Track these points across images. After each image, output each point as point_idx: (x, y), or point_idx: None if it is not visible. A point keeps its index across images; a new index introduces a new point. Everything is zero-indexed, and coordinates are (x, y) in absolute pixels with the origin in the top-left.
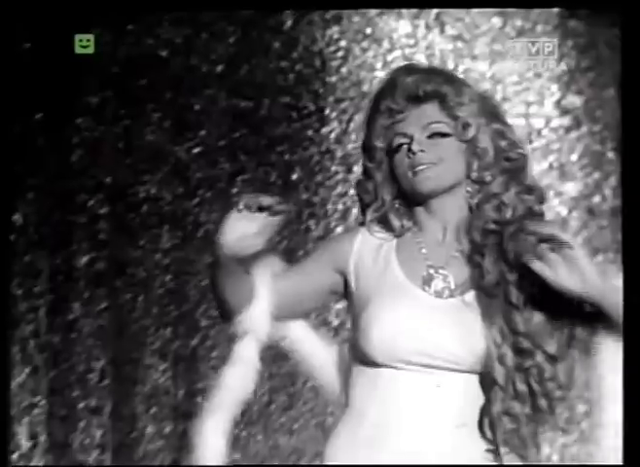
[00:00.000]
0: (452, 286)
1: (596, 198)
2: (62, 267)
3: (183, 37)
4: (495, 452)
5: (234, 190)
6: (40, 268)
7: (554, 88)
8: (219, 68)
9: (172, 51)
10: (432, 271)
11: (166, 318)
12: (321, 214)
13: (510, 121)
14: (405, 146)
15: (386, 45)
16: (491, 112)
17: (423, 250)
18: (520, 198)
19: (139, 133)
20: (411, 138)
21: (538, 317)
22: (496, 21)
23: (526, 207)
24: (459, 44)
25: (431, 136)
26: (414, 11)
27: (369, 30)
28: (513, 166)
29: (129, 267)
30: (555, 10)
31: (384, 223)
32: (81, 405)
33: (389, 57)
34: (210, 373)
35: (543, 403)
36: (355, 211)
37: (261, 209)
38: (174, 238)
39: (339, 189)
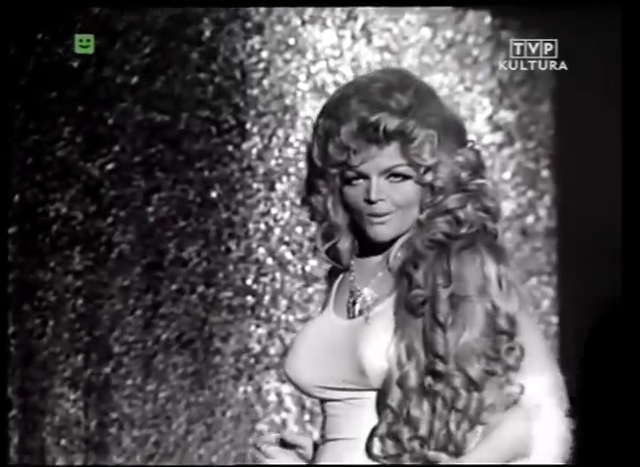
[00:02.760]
0: (366, 305)
1: (530, 218)
2: None
3: (95, 47)
4: None
5: (150, 209)
6: None
7: (486, 102)
8: (134, 80)
9: (84, 61)
10: (355, 295)
11: (77, 344)
12: (242, 234)
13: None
14: (361, 183)
15: (310, 56)
16: (455, 138)
17: (352, 275)
18: (477, 215)
19: (49, 148)
20: (368, 180)
21: (467, 337)
22: (425, 32)
23: (480, 224)
24: (387, 55)
25: (389, 177)
26: (339, 21)
27: (292, 41)
28: (471, 193)
29: (38, 290)
30: (488, 20)
31: (334, 252)
32: None
33: (313, 69)
34: (124, 402)
35: (437, 428)
36: (278, 231)
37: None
38: (86, 260)
39: (261, 207)
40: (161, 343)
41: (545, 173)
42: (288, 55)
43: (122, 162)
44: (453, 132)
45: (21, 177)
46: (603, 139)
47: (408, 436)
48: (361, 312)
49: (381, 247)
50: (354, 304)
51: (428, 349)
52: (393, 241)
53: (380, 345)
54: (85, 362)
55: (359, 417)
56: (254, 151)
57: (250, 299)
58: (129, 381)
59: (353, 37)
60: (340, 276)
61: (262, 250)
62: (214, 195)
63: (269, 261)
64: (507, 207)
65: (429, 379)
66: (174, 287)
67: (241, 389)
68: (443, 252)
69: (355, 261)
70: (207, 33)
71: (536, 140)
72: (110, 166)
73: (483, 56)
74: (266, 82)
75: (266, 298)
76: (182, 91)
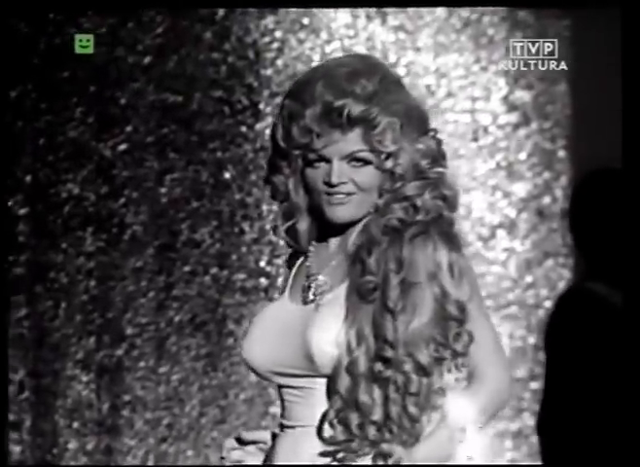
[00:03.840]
0: (319, 291)
1: (546, 199)
2: None
3: (107, 26)
4: (331, 455)
5: (163, 189)
6: None
7: (502, 82)
8: (146, 60)
9: (96, 41)
10: (310, 280)
11: (90, 326)
12: (255, 216)
13: (437, 125)
14: (322, 166)
15: (324, 36)
16: (417, 127)
17: (309, 260)
18: (434, 204)
19: (61, 129)
20: (330, 163)
21: (416, 323)
22: (441, 12)
23: (437, 212)
24: (402, 35)
25: (350, 162)
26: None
27: (306, 20)
28: (430, 181)
29: (50, 271)
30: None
31: (293, 233)
32: None
33: (327, 49)
34: (136, 385)
35: (395, 413)
36: None
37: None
38: (98, 241)
39: None
40: (174, 325)
41: (561, 154)
42: (302, 35)
43: (134, 143)
44: (416, 120)
45: (33, 158)
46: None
47: (358, 422)
48: (314, 298)
49: (339, 233)
50: (308, 289)
51: (377, 335)
52: (350, 226)
53: (329, 332)
54: (97, 344)
55: (315, 404)
56: (267, 131)
57: (263, 281)
58: (142, 364)
59: (368, 17)
60: (299, 261)
61: None
62: (227, 176)
63: (283, 242)
64: (523, 188)
65: (379, 366)
66: (187, 269)
67: None
68: (396, 238)
69: (313, 246)
70: (221, 12)
71: (552, 120)
72: (122, 147)
73: (499, 36)
74: (279, 62)
75: (280, 280)
76: (195, 71)
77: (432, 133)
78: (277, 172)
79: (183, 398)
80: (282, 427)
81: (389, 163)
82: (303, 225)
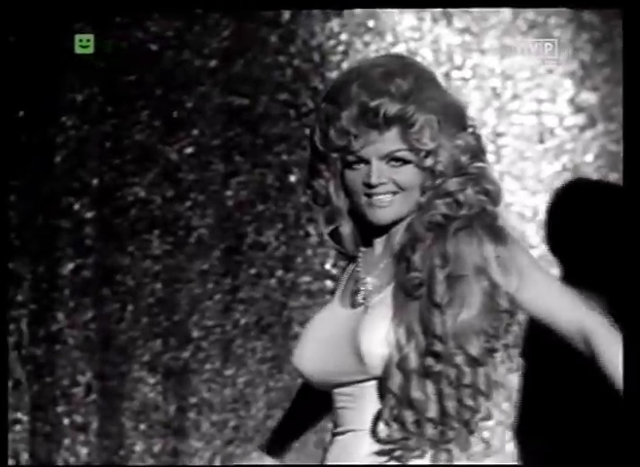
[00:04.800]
0: (368, 293)
1: None
2: (45, 274)
3: (174, 30)
4: (388, 454)
5: (229, 192)
6: (22, 275)
7: (568, 84)
8: (212, 63)
9: (163, 44)
10: (359, 284)
11: (156, 329)
12: None
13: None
14: (362, 167)
15: (390, 38)
16: (455, 123)
17: (358, 265)
18: (476, 198)
19: (127, 132)
20: (369, 164)
21: (465, 315)
22: (507, 14)
23: (480, 207)
24: (467, 37)
25: (389, 161)
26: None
27: (371, 23)
28: (471, 176)
29: (117, 274)
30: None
31: (337, 237)
32: (65, 421)
33: (392, 51)
34: (203, 387)
35: (451, 407)
36: None
37: None
38: (165, 244)
39: None
40: (240, 328)
41: None
42: (367, 38)
43: (200, 146)
44: (453, 117)
45: (100, 161)
46: None
47: (412, 419)
48: (363, 301)
49: (383, 234)
50: (357, 293)
51: (426, 331)
52: (393, 227)
53: (379, 333)
54: (163, 346)
55: (366, 408)
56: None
57: (329, 283)
58: (208, 366)
59: (433, 19)
60: (350, 266)
61: None
62: (293, 179)
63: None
64: None
65: (430, 361)
66: (253, 271)
67: None
68: (441, 234)
69: (362, 252)
70: (286, 16)
71: (619, 122)
72: (188, 150)
73: (565, 38)
74: (345, 64)
75: None
76: (261, 74)
77: (471, 129)
78: (317, 176)
79: (249, 400)
80: (333, 435)
81: (429, 161)
82: (346, 228)
